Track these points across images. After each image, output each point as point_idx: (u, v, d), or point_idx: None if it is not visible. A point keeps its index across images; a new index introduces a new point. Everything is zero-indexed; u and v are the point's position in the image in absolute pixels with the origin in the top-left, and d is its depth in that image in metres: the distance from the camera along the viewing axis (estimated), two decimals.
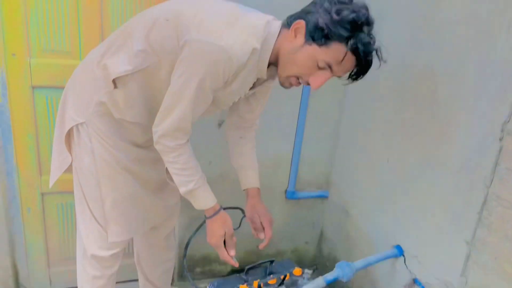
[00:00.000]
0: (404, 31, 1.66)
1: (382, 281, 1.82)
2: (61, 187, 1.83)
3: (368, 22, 1.12)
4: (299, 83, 1.23)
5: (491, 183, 1.28)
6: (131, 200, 1.44)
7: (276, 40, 1.19)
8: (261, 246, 1.50)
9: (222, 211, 1.38)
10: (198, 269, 2.25)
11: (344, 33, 1.10)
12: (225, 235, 1.38)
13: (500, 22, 1.24)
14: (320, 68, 1.16)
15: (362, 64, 1.15)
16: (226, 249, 1.39)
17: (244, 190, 1.57)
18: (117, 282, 1.67)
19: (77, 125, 1.34)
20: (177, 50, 1.16)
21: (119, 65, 1.24)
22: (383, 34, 1.77)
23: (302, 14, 1.16)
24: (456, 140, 1.41)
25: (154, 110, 1.28)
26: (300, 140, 2.13)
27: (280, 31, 1.20)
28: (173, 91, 1.19)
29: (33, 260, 1.96)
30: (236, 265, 1.41)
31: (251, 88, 1.34)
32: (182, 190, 1.31)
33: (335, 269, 1.62)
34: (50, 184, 1.46)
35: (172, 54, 1.17)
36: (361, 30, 1.11)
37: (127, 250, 2.09)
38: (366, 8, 1.13)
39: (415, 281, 1.63)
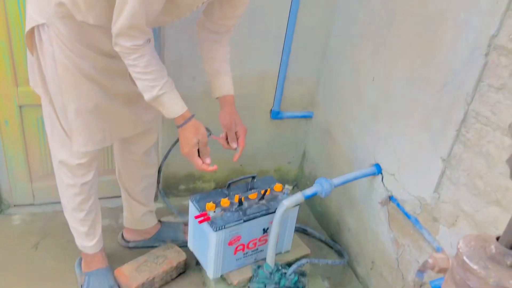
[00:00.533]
0: None
1: (360, 198, 1.88)
2: (40, 99, 1.79)
3: None
4: None
5: (472, 99, 1.27)
6: (95, 111, 1.40)
7: None
8: (235, 158, 1.50)
9: (193, 119, 1.35)
10: (182, 187, 2.29)
11: None
12: (198, 143, 1.35)
13: None
14: None
15: None
16: (201, 158, 1.38)
17: (217, 98, 1.52)
18: (100, 198, 1.70)
19: (38, 27, 1.27)
20: None
21: None
22: None
23: None
24: (443, 56, 1.37)
25: None
26: (287, 57, 2.07)
27: None
28: None
29: (15, 174, 1.97)
30: (214, 168, 1.39)
31: None
32: (146, 96, 1.26)
33: (314, 184, 1.66)
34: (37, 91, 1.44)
35: None
36: None
37: (108, 166, 2.10)
38: None
39: (390, 198, 1.68)
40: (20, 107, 1.83)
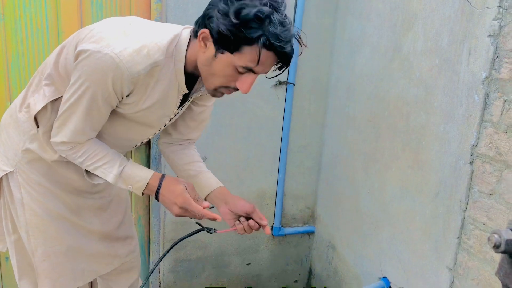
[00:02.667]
0: (376, 63, 1.72)
1: None
2: None
3: (275, 7, 1.01)
4: (230, 91, 1.16)
5: (466, 206, 1.29)
6: (66, 252, 1.36)
7: (187, 50, 1.13)
8: (267, 230, 1.27)
9: (167, 176, 1.24)
10: None
11: (252, 34, 1.00)
12: (185, 189, 1.21)
13: (460, 50, 1.29)
14: (241, 73, 1.09)
15: (282, 57, 1.06)
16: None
17: (207, 197, 1.36)
18: None
19: (6, 175, 1.29)
20: None
21: (38, 101, 1.22)
22: (357, 67, 1.84)
23: (205, 20, 1.07)
24: (431, 166, 1.43)
25: None
26: (283, 175, 2.14)
27: (190, 40, 1.14)
28: (65, 99, 1.13)
29: None
30: (217, 217, 1.22)
31: (180, 106, 1.27)
32: (110, 178, 1.20)
33: None
34: (3, 249, 1.42)
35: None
36: (269, 23, 1.00)
37: None
38: None
39: None
40: None
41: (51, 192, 1.31)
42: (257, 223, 1.27)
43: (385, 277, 1.70)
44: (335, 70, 2.03)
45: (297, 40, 1.10)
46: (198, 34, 1.07)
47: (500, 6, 1.16)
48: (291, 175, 2.16)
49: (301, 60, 2.00)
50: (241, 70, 1.07)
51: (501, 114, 1.17)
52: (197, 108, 1.38)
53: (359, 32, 1.84)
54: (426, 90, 1.44)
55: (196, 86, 1.25)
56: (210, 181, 1.36)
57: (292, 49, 1.06)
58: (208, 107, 1.41)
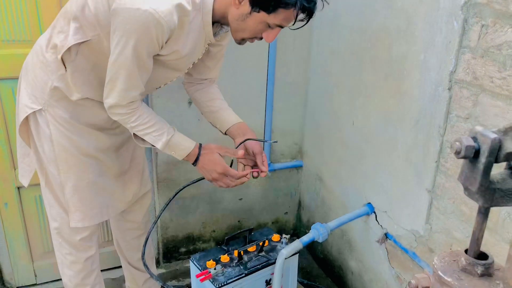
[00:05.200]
0: None
1: (358, 239, 1.90)
2: (37, 179, 1.84)
3: None
4: (253, 41, 1.28)
5: (444, 131, 1.35)
6: (92, 187, 1.46)
7: (214, 2, 1.20)
8: (262, 175, 1.45)
9: (202, 146, 1.39)
10: (182, 249, 2.30)
11: (289, 0, 1.12)
12: (222, 158, 1.38)
13: None
14: (271, 28, 1.20)
15: (310, 14, 1.19)
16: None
17: (226, 131, 1.50)
18: (102, 270, 1.70)
19: (34, 113, 1.36)
20: (111, 21, 1.17)
21: (64, 42, 1.26)
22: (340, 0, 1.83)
23: None
24: (412, 94, 1.47)
25: None
26: (270, 112, 2.17)
27: None
28: (112, 61, 1.19)
29: (16, 256, 1.98)
30: (263, 174, 1.43)
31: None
32: (159, 145, 1.32)
33: (310, 230, 1.69)
34: (25, 184, 1.50)
35: (108, 26, 1.18)
36: None
37: (109, 238, 2.12)
38: None
39: (386, 235, 1.71)
40: (18, 188, 1.89)
41: (78, 129, 1.39)
42: (257, 167, 1.44)
43: (369, 203, 1.80)
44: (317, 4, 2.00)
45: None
46: None
47: None
48: (278, 112, 2.20)
49: None
50: (273, 27, 1.19)
51: (479, 39, 1.20)
52: (213, 48, 1.45)
53: None
54: (407, 19, 1.45)
55: (215, 30, 1.31)
56: (230, 117, 1.50)
57: (316, 6, 1.18)
58: (223, 46, 1.49)
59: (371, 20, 1.64)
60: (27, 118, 1.37)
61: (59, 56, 1.27)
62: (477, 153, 0.54)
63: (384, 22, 1.57)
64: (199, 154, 1.37)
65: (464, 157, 0.53)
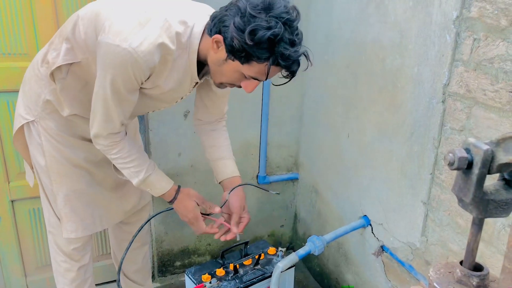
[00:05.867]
0: (353, 8, 1.73)
1: (354, 252, 1.89)
2: (31, 192, 1.83)
3: (288, 24, 1.07)
4: (233, 87, 1.25)
5: (439, 143, 1.36)
6: (84, 197, 1.47)
7: (200, 43, 1.18)
8: (229, 236, 1.44)
9: (181, 189, 1.41)
10: (177, 263, 2.28)
11: (263, 55, 1.07)
12: (196, 205, 1.40)
13: None
14: (247, 78, 1.18)
15: (289, 71, 1.15)
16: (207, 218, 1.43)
17: (220, 182, 1.51)
18: (97, 284, 1.69)
19: (28, 123, 1.39)
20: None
21: (55, 60, 1.28)
22: (335, 13, 1.85)
23: (220, 26, 1.12)
24: (406, 108, 1.48)
25: None
26: (266, 125, 2.18)
27: (203, 33, 1.19)
28: (94, 92, 1.21)
29: (9, 270, 1.96)
30: (215, 231, 1.43)
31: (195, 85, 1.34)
32: (134, 182, 1.33)
33: (306, 243, 1.68)
34: (31, 184, 1.54)
35: (96, 52, 1.18)
36: (280, 44, 1.06)
37: (105, 251, 2.10)
38: (286, 10, 1.07)
39: (383, 248, 1.70)
40: (12, 201, 1.87)
41: (69, 141, 1.40)
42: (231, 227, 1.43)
43: (365, 215, 1.79)
44: (312, 18, 2.03)
45: (306, 57, 1.16)
46: (212, 37, 1.13)
47: None
48: (274, 125, 2.20)
49: None
50: (248, 78, 1.17)
51: (471, 53, 1.22)
52: (212, 87, 1.43)
53: None
54: (400, 33, 1.47)
55: (204, 71, 1.31)
56: (227, 169, 1.50)
57: (299, 65, 1.14)
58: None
59: (365, 34, 1.66)
60: (21, 128, 1.41)
61: (49, 72, 1.29)
62: (470, 164, 0.54)
63: (378, 36, 1.59)
64: (175, 197, 1.40)
65: (457, 169, 0.54)
